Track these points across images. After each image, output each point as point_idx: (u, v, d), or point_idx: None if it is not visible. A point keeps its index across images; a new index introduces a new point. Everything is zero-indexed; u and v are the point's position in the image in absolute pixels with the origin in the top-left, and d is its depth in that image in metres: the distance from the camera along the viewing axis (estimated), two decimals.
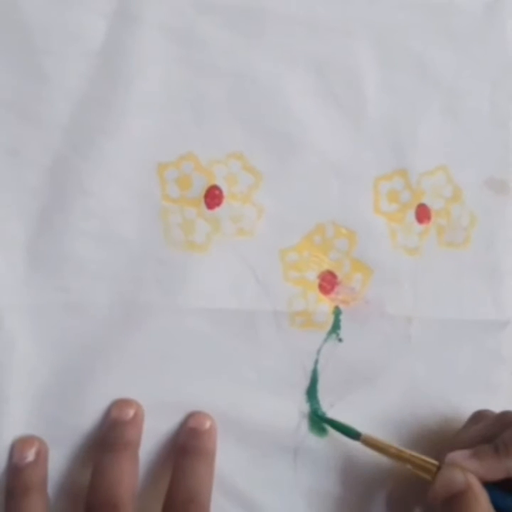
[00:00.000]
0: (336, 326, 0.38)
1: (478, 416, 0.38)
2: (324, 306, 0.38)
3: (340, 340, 0.38)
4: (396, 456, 0.35)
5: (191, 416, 0.35)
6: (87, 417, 0.34)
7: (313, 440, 0.38)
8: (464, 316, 0.40)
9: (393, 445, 0.36)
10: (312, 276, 0.38)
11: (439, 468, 0.34)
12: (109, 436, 0.33)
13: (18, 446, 0.32)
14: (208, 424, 0.35)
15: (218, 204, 0.37)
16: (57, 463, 0.34)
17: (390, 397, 0.39)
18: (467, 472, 0.32)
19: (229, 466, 0.36)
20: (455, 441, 0.37)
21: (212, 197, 0.37)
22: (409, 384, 0.39)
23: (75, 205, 0.34)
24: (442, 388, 0.40)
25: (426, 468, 0.34)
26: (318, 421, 0.38)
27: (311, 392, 0.38)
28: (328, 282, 0.38)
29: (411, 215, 0.40)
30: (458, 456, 0.34)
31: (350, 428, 0.37)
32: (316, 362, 0.38)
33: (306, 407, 0.38)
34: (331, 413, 0.38)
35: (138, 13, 0.35)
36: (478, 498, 0.32)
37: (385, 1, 0.39)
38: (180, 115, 0.36)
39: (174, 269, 0.36)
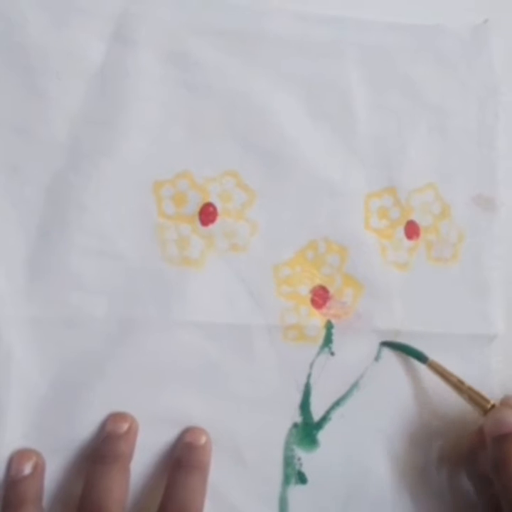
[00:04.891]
0: (328, 340, 0.38)
1: None
2: (316, 320, 0.38)
3: (332, 353, 0.38)
4: (456, 385, 0.38)
5: (187, 431, 0.36)
6: (83, 429, 0.34)
7: (304, 454, 0.38)
8: (451, 330, 0.41)
9: (455, 375, 0.38)
10: (304, 290, 0.38)
11: (493, 406, 0.36)
12: (101, 449, 0.34)
13: (16, 459, 0.33)
14: (203, 439, 0.35)
15: (212, 221, 0.37)
16: (53, 474, 0.34)
17: (381, 411, 0.39)
18: None
19: (221, 480, 0.36)
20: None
21: (207, 214, 0.37)
22: (400, 397, 0.40)
23: (72, 221, 0.35)
24: (432, 402, 0.40)
25: (480, 404, 0.37)
26: (310, 434, 0.38)
27: (304, 406, 0.38)
28: (320, 297, 0.39)
29: (400, 231, 0.40)
30: None
31: (419, 352, 0.39)
32: (309, 376, 0.38)
33: (299, 421, 0.38)
34: (323, 426, 0.38)
35: (135, 35, 0.36)
36: None
37: (374, 23, 0.40)
38: (176, 134, 0.37)
39: (169, 284, 0.36)
